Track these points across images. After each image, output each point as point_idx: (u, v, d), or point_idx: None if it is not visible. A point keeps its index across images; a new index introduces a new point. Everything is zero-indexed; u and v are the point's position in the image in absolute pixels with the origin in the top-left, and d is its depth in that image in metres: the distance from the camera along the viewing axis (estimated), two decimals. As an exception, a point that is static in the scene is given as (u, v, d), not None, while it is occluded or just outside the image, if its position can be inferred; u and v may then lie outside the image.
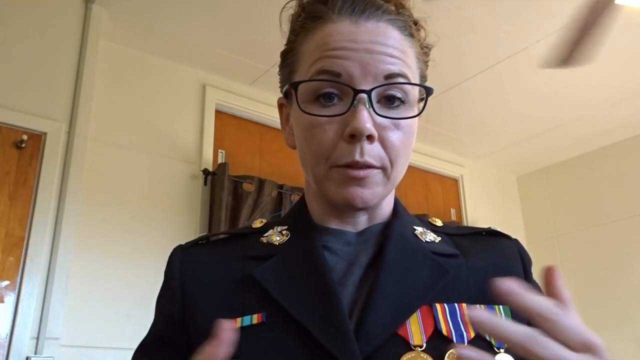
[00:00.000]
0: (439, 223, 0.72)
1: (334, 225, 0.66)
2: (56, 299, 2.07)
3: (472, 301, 0.59)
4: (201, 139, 2.74)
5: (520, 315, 0.53)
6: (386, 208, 0.68)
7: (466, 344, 0.55)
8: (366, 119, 0.58)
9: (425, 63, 0.68)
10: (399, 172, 0.63)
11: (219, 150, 2.84)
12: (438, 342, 0.55)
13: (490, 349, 0.55)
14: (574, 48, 1.89)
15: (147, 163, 2.55)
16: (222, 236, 0.72)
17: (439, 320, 0.57)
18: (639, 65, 2.85)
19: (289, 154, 3.10)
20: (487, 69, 2.82)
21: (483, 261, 0.65)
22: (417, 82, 0.64)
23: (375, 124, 0.59)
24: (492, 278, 0.58)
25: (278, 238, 0.67)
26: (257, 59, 2.76)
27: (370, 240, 0.64)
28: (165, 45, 2.67)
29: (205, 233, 0.62)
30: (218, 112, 2.88)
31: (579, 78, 2.92)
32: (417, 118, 0.64)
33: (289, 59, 0.67)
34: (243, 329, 0.59)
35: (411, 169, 3.61)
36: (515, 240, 0.70)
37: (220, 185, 2.60)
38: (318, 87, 0.60)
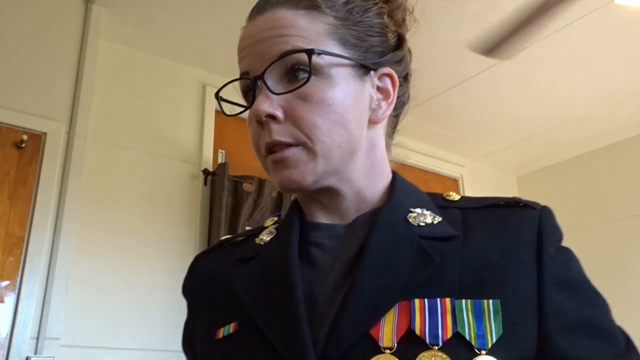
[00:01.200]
0: (454, 197, 0.66)
1: (322, 219, 0.64)
2: (56, 299, 2.07)
3: (462, 292, 0.54)
4: (201, 139, 2.74)
5: (511, 311, 0.52)
6: (375, 193, 0.64)
7: (440, 344, 0.50)
8: (261, 102, 0.58)
9: (358, 25, 0.62)
10: (328, 146, 0.59)
11: (219, 150, 2.84)
12: (410, 344, 0.50)
13: (469, 350, 0.50)
14: (505, 39, 1.86)
15: (147, 163, 2.55)
16: (238, 239, 0.72)
17: (414, 318, 0.52)
18: (639, 65, 2.85)
19: (289, 154, 3.11)
20: (487, 69, 2.82)
21: (483, 242, 0.58)
22: (344, 53, 0.60)
23: (282, 104, 0.59)
24: (488, 262, 0.56)
25: (266, 237, 0.67)
26: (257, 59, 2.75)
27: (358, 232, 0.61)
28: (165, 45, 2.67)
29: (226, 236, 0.63)
30: (218, 112, 2.88)
31: (579, 78, 2.92)
32: (346, 84, 0.60)
33: None
34: (223, 339, 0.59)
35: (411, 169, 3.62)
36: (542, 209, 0.61)
37: (220, 185, 2.60)
38: (241, 87, 0.64)
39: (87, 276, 2.22)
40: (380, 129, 0.67)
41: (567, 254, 0.60)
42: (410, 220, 0.61)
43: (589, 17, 2.46)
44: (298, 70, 0.58)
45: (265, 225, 0.71)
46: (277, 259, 0.61)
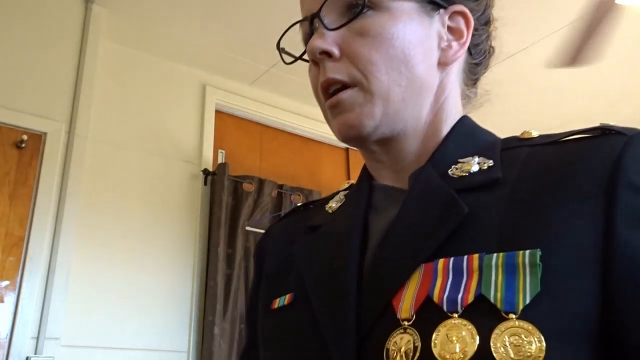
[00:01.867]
0: (531, 135, 0.56)
1: (385, 180, 0.60)
2: (56, 299, 2.07)
3: (499, 245, 0.44)
4: (201, 139, 2.74)
5: (559, 262, 0.41)
6: (437, 143, 0.58)
7: (460, 311, 0.42)
8: (315, 38, 0.55)
9: None
10: (386, 85, 0.54)
11: (219, 150, 2.84)
12: (429, 313, 0.43)
13: (494, 315, 0.41)
14: (580, 48, 1.89)
15: (147, 163, 2.55)
16: (312, 205, 0.70)
17: (434, 283, 0.44)
18: (639, 65, 2.85)
19: (289, 154, 3.11)
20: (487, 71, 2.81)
21: (537, 180, 0.48)
22: None
23: (338, 41, 0.55)
24: (536, 204, 0.45)
25: (335, 205, 0.64)
26: (257, 59, 2.76)
27: (406, 191, 0.56)
28: (165, 45, 2.67)
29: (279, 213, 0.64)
30: (218, 112, 2.88)
31: (579, 78, 2.92)
32: (409, 19, 0.56)
33: None
34: (277, 310, 0.58)
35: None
36: (632, 136, 0.47)
37: (220, 185, 2.60)
38: (302, 35, 0.61)
39: (87, 276, 2.22)
40: (454, 73, 0.61)
41: None
42: (450, 173, 0.53)
43: (588, 17, 2.46)
44: (356, 5, 0.55)
45: (341, 188, 0.67)
46: (337, 230, 0.58)
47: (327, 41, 0.55)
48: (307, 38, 0.60)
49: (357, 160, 3.35)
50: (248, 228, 2.64)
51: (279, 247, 0.66)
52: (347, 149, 3.34)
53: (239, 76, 2.91)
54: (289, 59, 0.62)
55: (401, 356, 0.43)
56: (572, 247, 0.42)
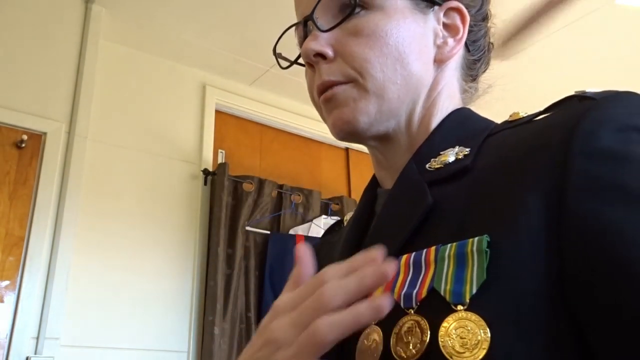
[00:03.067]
0: (518, 116, 0.52)
1: (387, 184, 0.60)
2: (56, 299, 2.07)
3: (457, 236, 0.43)
4: (201, 139, 2.74)
5: (507, 248, 0.39)
6: (422, 140, 0.57)
7: (415, 307, 0.42)
8: (308, 40, 0.55)
9: None
10: (381, 82, 0.54)
11: (219, 150, 2.84)
12: (391, 311, 0.41)
13: (445, 308, 0.40)
14: (508, 39, 1.86)
15: (147, 163, 2.55)
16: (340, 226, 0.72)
17: (397, 279, 0.45)
18: (639, 65, 2.85)
19: (289, 154, 3.11)
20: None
21: (497, 163, 0.46)
22: None
23: (332, 42, 0.55)
24: (490, 188, 0.44)
25: (348, 216, 0.66)
26: (257, 59, 2.76)
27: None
28: (165, 45, 2.67)
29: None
30: (218, 112, 2.88)
31: (579, 78, 2.92)
32: (402, 17, 0.55)
33: None
34: None
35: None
36: (606, 97, 0.43)
37: (220, 185, 2.60)
38: (298, 42, 0.61)
39: (87, 276, 2.22)
40: (450, 70, 0.60)
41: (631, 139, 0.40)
42: (427, 166, 0.52)
43: (589, 17, 2.46)
44: (349, 6, 0.55)
45: None
46: (343, 239, 0.60)
47: (321, 43, 0.55)
48: (302, 41, 0.60)
49: (357, 160, 3.35)
50: (248, 228, 2.64)
51: (321, 258, 0.68)
52: (347, 149, 3.34)
53: (239, 76, 2.91)
54: (285, 64, 0.63)
55: (370, 354, 0.43)
56: (523, 227, 0.39)
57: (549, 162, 0.41)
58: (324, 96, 0.56)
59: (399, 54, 0.55)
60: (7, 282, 2.01)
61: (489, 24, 0.64)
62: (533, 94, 3.09)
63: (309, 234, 2.73)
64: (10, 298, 2.01)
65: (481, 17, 0.63)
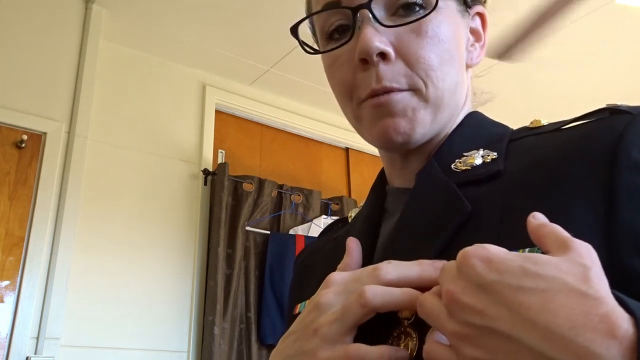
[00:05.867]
0: (540, 123, 0.53)
1: (397, 182, 0.58)
2: (56, 299, 2.07)
3: (499, 241, 0.40)
4: (201, 139, 2.74)
5: None
6: (439, 140, 0.56)
7: None
8: (370, 36, 0.49)
9: None
10: (441, 92, 0.51)
11: (219, 150, 2.84)
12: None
13: None
14: (516, 43, 1.87)
15: (147, 163, 2.55)
16: (341, 224, 0.70)
17: None
18: (639, 65, 2.85)
19: (289, 154, 3.11)
20: (486, 69, 2.81)
21: (534, 169, 0.45)
22: None
23: (391, 40, 0.50)
24: (532, 197, 0.43)
25: (353, 214, 0.65)
26: (257, 59, 2.76)
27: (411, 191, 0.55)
28: (165, 45, 2.67)
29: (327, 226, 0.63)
30: (218, 112, 2.88)
31: (580, 78, 2.92)
32: (454, 20, 0.52)
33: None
34: (299, 314, 0.59)
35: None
36: (637, 115, 0.44)
37: (220, 185, 2.60)
38: (323, 24, 0.55)
39: (87, 276, 2.22)
40: (469, 76, 0.60)
41: None
42: (453, 167, 0.51)
43: (589, 17, 2.46)
44: (414, 4, 0.50)
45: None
46: (352, 236, 0.58)
47: (384, 40, 0.50)
48: (336, 28, 0.53)
49: (357, 160, 3.35)
50: (248, 228, 2.64)
51: (310, 259, 0.68)
52: (347, 149, 3.34)
53: (239, 76, 2.91)
54: (309, 47, 0.57)
55: None
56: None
57: (593, 174, 0.41)
58: (377, 101, 0.51)
59: (454, 61, 0.52)
60: (7, 282, 2.01)
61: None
62: (532, 94, 3.10)
63: (309, 234, 2.73)
64: (10, 298, 2.01)
65: None
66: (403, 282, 0.41)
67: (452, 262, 0.38)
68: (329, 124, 3.15)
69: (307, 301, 0.47)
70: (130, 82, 2.62)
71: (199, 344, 2.42)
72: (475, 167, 0.49)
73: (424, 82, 0.50)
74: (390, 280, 0.41)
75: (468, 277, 0.35)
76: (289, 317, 0.63)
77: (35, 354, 1.99)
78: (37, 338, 2.02)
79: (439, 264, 0.41)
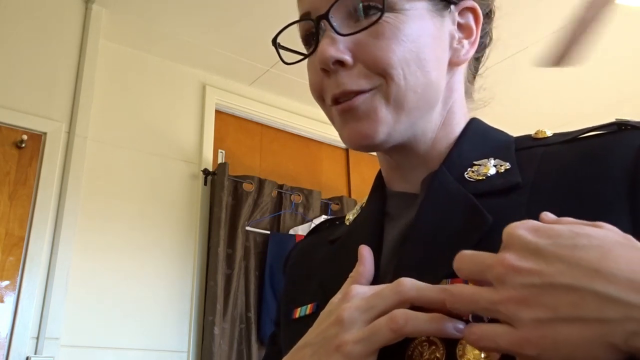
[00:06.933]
0: (544, 134, 0.54)
1: (397, 186, 0.58)
2: (56, 299, 2.07)
3: None
4: (201, 139, 2.74)
5: None
6: (447, 146, 0.56)
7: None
8: (325, 46, 0.51)
9: None
10: (403, 90, 0.51)
11: (219, 150, 2.84)
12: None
13: None
14: (568, 47, 1.89)
15: (147, 163, 2.55)
16: (337, 221, 0.69)
17: None
18: (639, 65, 2.85)
19: (289, 154, 3.11)
20: (486, 70, 2.81)
21: (557, 183, 0.46)
22: None
23: (349, 46, 0.51)
24: (558, 210, 0.42)
25: (351, 217, 0.64)
26: (257, 59, 2.76)
27: (419, 197, 0.54)
28: (165, 45, 2.67)
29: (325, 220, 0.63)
30: (218, 112, 2.88)
31: (580, 78, 2.92)
32: (421, 20, 0.52)
33: None
34: (299, 319, 0.58)
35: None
36: None
37: (220, 185, 2.60)
38: (300, 32, 0.57)
39: (87, 276, 2.22)
40: (461, 73, 0.59)
41: None
42: (467, 176, 0.51)
43: (589, 17, 2.46)
44: (369, 8, 0.51)
45: (364, 201, 0.66)
46: (354, 240, 0.57)
47: (340, 48, 0.51)
48: (307, 36, 0.56)
49: (357, 160, 3.35)
50: (248, 228, 2.65)
51: (302, 260, 0.67)
52: (347, 149, 3.34)
53: (239, 76, 2.91)
54: (288, 59, 0.59)
55: None
56: None
57: (617, 193, 0.43)
58: (341, 107, 0.52)
59: (420, 61, 0.52)
60: (7, 282, 2.01)
61: (492, 19, 0.63)
62: (532, 94, 3.09)
63: (309, 234, 2.73)
64: (10, 298, 2.01)
65: (485, 12, 0.61)
66: (423, 300, 0.41)
67: (490, 253, 0.38)
68: (329, 124, 3.13)
69: (322, 311, 0.47)
70: (130, 82, 2.61)
71: (199, 344, 2.42)
72: (490, 178, 0.50)
73: (385, 80, 0.51)
74: (412, 299, 0.41)
75: (519, 246, 0.36)
76: (287, 321, 0.61)
77: (35, 354, 1.99)
78: (37, 338, 2.02)
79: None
